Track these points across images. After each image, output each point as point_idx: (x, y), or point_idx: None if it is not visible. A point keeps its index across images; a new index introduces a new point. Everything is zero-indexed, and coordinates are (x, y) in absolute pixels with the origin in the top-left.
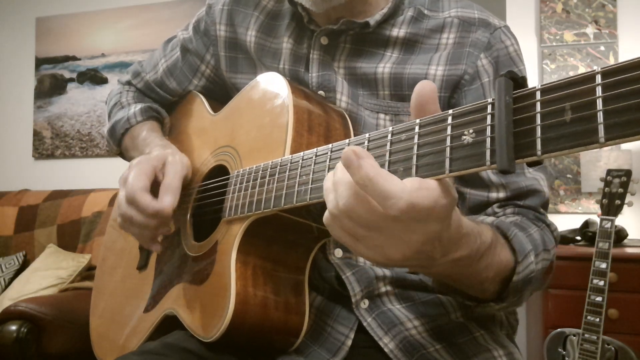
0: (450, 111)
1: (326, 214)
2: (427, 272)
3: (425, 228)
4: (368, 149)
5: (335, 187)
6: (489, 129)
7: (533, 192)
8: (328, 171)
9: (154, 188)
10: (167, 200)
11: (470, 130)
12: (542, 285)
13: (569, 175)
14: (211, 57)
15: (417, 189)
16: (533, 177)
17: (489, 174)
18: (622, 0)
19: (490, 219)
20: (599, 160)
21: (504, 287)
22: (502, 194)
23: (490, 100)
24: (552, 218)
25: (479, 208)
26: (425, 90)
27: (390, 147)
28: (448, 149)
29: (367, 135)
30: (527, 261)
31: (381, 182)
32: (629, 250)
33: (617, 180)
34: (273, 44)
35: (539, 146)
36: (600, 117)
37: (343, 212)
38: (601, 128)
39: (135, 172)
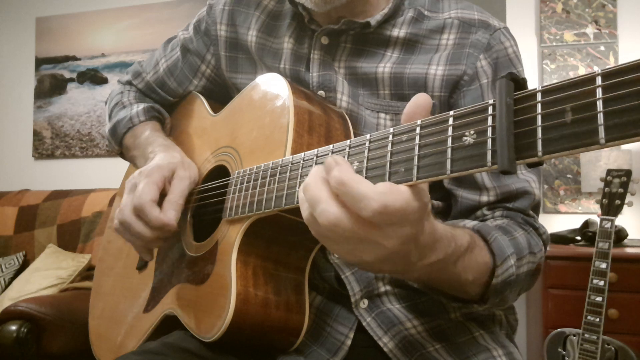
0: (452, 112)
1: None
2: (406, 277)
3: (400, 232)
4: (369, 150)
5: (309, 198)
6: (489, 130)
7: (523, 194)
8: None
9: (161, 198)
10: (172, 215)
11: (472, 131)
12: (528, 287)
13: (569, 175)
14: (212, 57)
15: (388, 192)
16: (525, 179)
17: (484, 176)
18: (622, 0)
19: (472, 223)
20: (599, 160)
21: (485, 289)
22: (492, 197)
23: (491, 101)
24: (552, 218)
25: (470, 211)
26: (421, 102)
27: (392, 147)
28: (449, 150)
29: (368, 136)
30: (507, 264)
31: (354, 185)
32: (629, 250)
33: (617, 180)
34: (274, 44)
35: (539, 147)
36: (600, 118)
37: (315, 219)
38: (601, 129)
39: (147, 182)
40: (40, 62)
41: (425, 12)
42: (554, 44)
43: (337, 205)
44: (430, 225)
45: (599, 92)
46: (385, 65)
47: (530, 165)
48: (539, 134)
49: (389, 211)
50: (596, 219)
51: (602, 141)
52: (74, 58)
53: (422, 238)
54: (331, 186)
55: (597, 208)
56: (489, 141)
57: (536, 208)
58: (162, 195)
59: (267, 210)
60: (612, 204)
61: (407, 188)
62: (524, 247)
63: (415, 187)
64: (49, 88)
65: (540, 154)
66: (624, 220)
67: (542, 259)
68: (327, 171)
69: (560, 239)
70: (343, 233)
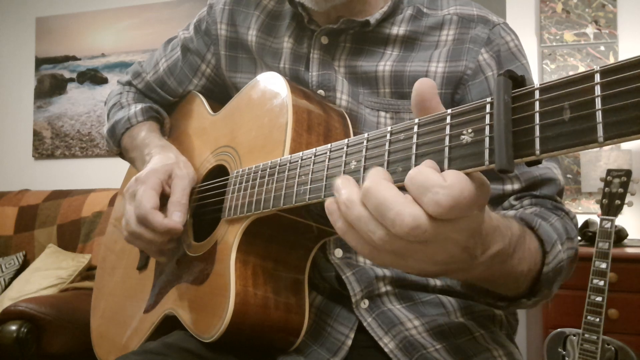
0: (449, 110)
1: (365, 248)
2: (466, 275)
3: (470, 222)
4: (367, 149)
5: (375, 205)
6: (487, 128)
7: (547, 180)
8: (327, 171)
9: (161, 201)
10: (178, 217)
11: (469, 130)
12: (568, 274)
13: (569, 175)
14: (212, 56)
15: (459, 179)
16: (545, 167)
17: None
18: (622, 0)
19: (512, 212)
20: (599, 160)
21: (534, 281)
22: (517, 185)
23: (489, 99)
24: None
25: (495, 201)
26: (425, 87)
27: (389, 146)
28: (447, 149)
29: (365, 135)
30: (556, 250)
31: (422, 177)
32: (629, 250)
33: (617, 180)
34: (273, 44)
35: (537, 145)
36: (599, 116)
37: (389, 242)
38: (600, 127)
39: (144, 189)
40: (40, 62)
41: (424, 10)
42: (554, 44)
43: (413, 203)
44: (487, 212)
45: (598, 90)
46: (385, 63)
47: (529, 164)
48: (537, 132)
49: (464, 200)
50: (596, 219)
51: (601, 139)
52: (74, 58)
53: (484, 227)
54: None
55: (597, 208)
56: (487, 139)
57: (561, 194)
58: (162, 198)
59: (266, 210)
60: (612, 204)
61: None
62: (562, 233)
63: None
64: (49, 88)
65: (538, 152)
66: (624, 220)
67: (577, 244)
68: (377, 174)
69: None
70: (422, 236)
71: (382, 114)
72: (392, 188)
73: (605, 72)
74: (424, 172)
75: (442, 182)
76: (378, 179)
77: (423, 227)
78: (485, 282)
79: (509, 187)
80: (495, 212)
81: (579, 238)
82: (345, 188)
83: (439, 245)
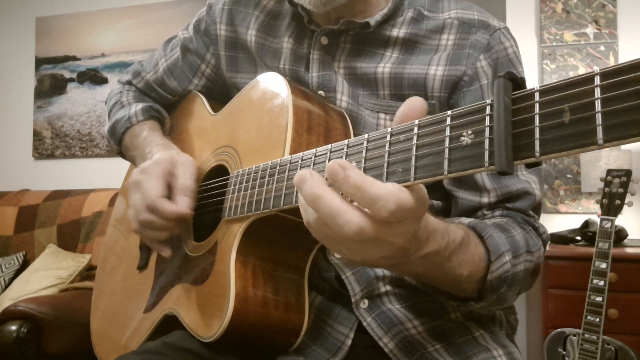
0: (449, 112)
1: (307, 222)
2: (400, 270)
3: (408, 228)
4: (367, 150)
5: (326, 212)
6: (487, 130)
7: (523, 194)
8: None
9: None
10: (186, 202)
11: (469, 131)
12: (528, 286)
13: (569, 175)
14: (211, 56)
15: (399, 191)
16: (525, 180)
17: (484, 178)
18: (622, 0)
19: (468, 220)
20: (599, 160)
21: (481, 285)
22: (493, 199)
23: (489, 101)
24: (552, 218)
25: (470, 212)
26: (416, 105)
27: (389, 148)
28: (447, 150)
29: (366, 136)
30: (501, 261)
31: (369, 188)
32: (629, 250)
33: (617, 180)
34: (273, 44)
35: (537, 147)
36: (598, 118)
37: (336, 230)
38: (600, 130)
39: (149, 178)
40: (40, 62)
41: (425, 12)
42: (554, 44)
43: (359, 212)
44: (425, 218)
45: (597, 92)
46: (384, 65)
47: (528, 166)
48: (537, 135)
49: (403, 210)
50: (596, 219)
51: (600, 142)
52: (74, 58)
53: (420, 231)
54: (345, 192)
55: (597, 208)
56: (487, 141)
57: (537, 208)
58: (168, 188)
59: (266, 210)
60: (612, 204)
61: (410, 188)
62: (521, 246)
63: (417, 186)
64: (49, 88)
65: (537, 154)
66: (624, 220)
67: (540, 259)
68: (334, 178)
69: (560, 239)
70: (366, 237)
71: (382, 115)
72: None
73: (605, 74)
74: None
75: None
76: (321, 183)
77: (367, 231)
78: (424, 277)
79: (485, 199)
80: (445, 219)
81: (579, 238)
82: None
83: (374, 244)
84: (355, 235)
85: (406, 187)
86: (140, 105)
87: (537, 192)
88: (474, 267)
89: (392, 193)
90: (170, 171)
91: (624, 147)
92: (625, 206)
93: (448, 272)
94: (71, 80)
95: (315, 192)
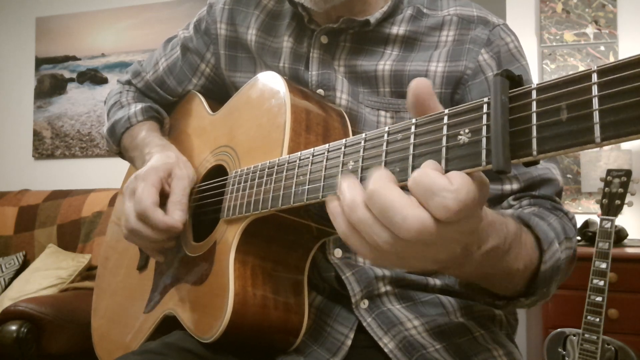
0: (446, 110)
1: (367, 251)
2: (460, 271)
3: (472, 223)
4: (364, 149)
5: (381, 206)
6: (484, 128)
7: (546, 181)
8: (325, 171)
9: (161, 199)
10: (178, 216)
11: (466, 130)
12: (566, 275)
13: (569, 175)
14: (211, 55)
15: (463, 180)
16: (545, 167)
17: None
18: (622, 0)
19: (510, 211)
20: (599, 160)
21: (531, 280)
22: (515, 186)
23: (486, 99)
24: None
25: (494, 202)
26: (421, 87)
27: (387, 147)
28: (444, 149)
29: (363, 135)
30: (553, 249)
31: (429, 180)
32: (629, 250)
33: (617, 180)
34: (273, 43)
35: (534, 146)
36: (596, 116)
37: (408, 242)
38: (597, 127)
39: (144, 186)
40: (40, 62)
41: (424, 10)
42: (554, 44)
43: (419, 207)
44: (483, 209)
45: (595, 90)
46: (385, 63)
47: (526, 165)
48: (534, 133)
49: (470, 202)
50: (596, 219)
51: (598, 140)
52: (74, 58)
53: (481, 224)
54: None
55: (597, 208)
56: (484, 140)
57: (560, 194)
58: (162, 196)
59: (265, 210)
60: (612, 204)
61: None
62: (560, 232)
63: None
64: (49, 88)
65: (535, 153)
66: (624, 220)
67: (576, 244)
68: (382, 176)
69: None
70: (428, 239)
71: (382, 113)
72: (396, 190)
73: (603, 71)
74: (430, 175)
75: (449, 186)
76: (383, 181)
77: (429, 230)
78: (481, 278)
79: (507, 187)
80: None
81: (579, 238)
82: (349, 190)
83: (441, 245)
84: (417, 234)
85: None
86: (139, 106)
87: (560, 177)
88: (529, 258)
89: (453, 186)
90: (165, 179)
91: (624, 147)
92: (625, 206)
93: (505, 268)
94: (71, 80)
95: (370, 188)
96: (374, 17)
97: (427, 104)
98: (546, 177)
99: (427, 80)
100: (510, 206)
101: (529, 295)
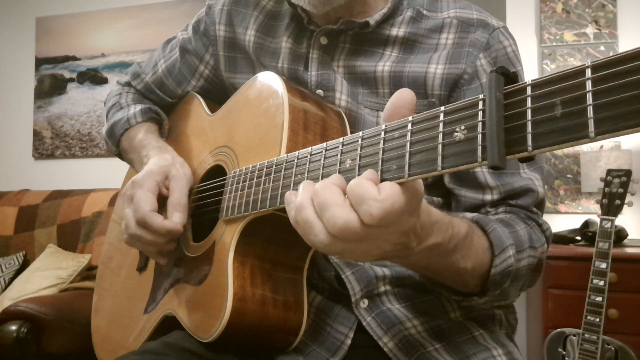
0: (442, 108)
1: (316, 242)
2: (405, 262)
3: (400, 226)
4: (362, 147)
5: (322, 215)
6: (480, 125)
7: (526, 191)
8: (323, 170)
9: (159, 202)
10: (178, 218)
11: (462, 127)
12: (531, 283)
13: (569, 175)
14: (210, 57)
15: (390, 193)
16: (528, 177)
17: (486, 175)
18: (622, 0)
19: (472, 214)
20: (599, 160)
21: (485, 280)
22: (496, 196)
23: (481, 96)
24: (552, 218)
25: (473, 210)
26: (405, 97)
27: (384, 145)
28: (440, 146)
29: (360, 133)
30: (505, 255)
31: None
32: (629, 250)
33: (617, 180)
34: (272, 44)
35: (529, 141)
36: (590, 111)
37: (336, 237)
38: (591, 122)
39: (141, 192)
40: (40, 62)
41: (424, 12)
42: (554, 44)
43: (349, 208)
44: (426, 209)
45: (589, 85)
46: (384, 64)
47: (521, 160)
48: (529, 128)
49: (394, 211)
50: (596, 219)
51: (592, 135)
52: (74, 58)
53: (419, 222)
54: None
55: (597, 208)
56: (479, 136)
57: (540, 205)
58: (160, 199)
59: (263, 210)
60: (612, 204)
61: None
62: (525, 241)
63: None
64: (49, 88)
65: (530, 148)
66: (624, 220)
67: (544, 255)
68: (331, 179)
69: (560, 239)
70: (353, 236)
71: (382, 114)
72: (336, 192)
73: (596, 67)
74: (363, 184)
75: (376, 196)
76: (328, 183)
77: (353, 229)
78: (428, 271)
79: (488, 197)
80: (447, 212)
81: (579, 238)
82: (303, 191)
83: (372, 243)
84: (341, 231)
85: (399, 183)
86: (138, 107)
87: (540, 189)
88: (478, 260)
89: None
90: (162, 183)
91: (624, 146)
92: (625, 206)
93: (452, 265)
94: (71, 80)
95: (316, 187)
96: (373, 18)
97: (401, 110)
98: (526, 188)
99: (412, 93)
100: (487, 212)
101: (482, 295)
